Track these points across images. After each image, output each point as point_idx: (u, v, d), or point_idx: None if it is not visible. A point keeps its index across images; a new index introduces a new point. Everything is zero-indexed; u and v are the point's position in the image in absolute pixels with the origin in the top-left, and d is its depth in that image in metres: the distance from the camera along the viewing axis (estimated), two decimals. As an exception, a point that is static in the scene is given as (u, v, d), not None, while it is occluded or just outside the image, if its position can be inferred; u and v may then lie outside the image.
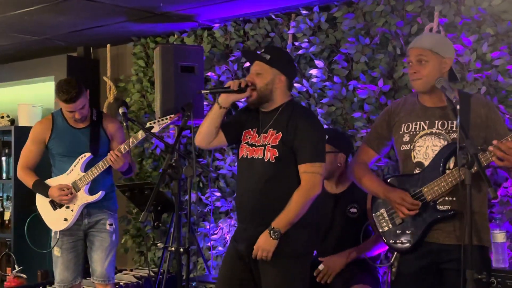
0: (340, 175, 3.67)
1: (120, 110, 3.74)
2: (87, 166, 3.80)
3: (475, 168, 2.47)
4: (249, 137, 3.06)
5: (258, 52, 3.06)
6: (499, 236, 3.24)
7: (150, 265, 5.23)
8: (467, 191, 2.44)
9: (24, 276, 5.03)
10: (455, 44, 3.77)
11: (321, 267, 3.51)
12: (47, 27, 5.04)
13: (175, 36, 5.24)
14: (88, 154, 3.81)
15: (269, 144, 2.96)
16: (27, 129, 6.03)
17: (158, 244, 3.23)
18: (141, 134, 3.72)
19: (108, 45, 5.70)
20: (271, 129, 2.99)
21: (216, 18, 4.86)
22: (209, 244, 4.84)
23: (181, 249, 2.90)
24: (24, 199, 5.80)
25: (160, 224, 3.20)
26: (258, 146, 3.00)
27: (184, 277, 3.31)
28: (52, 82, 6.00)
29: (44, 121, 3.97)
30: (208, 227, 4.86)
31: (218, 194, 4.85)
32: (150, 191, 3.35)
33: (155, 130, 3.66)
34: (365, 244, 3.50)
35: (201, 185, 5.06)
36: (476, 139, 2.65)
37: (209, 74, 4.92)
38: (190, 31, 5.15)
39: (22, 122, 6.15)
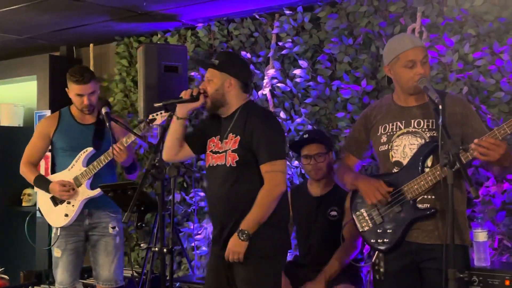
0: (327, 176, 3.70)
1: (103, 110, 3.72)
2: (90, 162, 3.73)
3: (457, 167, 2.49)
4: (213, 145, 3.09)
5: (210, 59, 3.12)
6: (481, 235, 3.26)
7: (134, 266, 5.21)
8: (449, 190, 2.46)
9: (7, 277, 4.99)
10: (437, 44, 3.80)
11: None
12: (30, 26, 5.01)
13: (159, 35, 5.22)
14: (90, 149, 3.74)
15: (230, 149, 2.99)
16: (9, 129, 6.03)
17: (142, 245, 3.21)
18: (143, 126, 3.65)
19: (91, 45, 5.67)
20: (231, 133, 3.02)
21: (199, 18, 4.85)
22: (193, 244, 4.84)
23: (165, 250, 2.89)
24: (5, 199, 5.77)
25: (143, 225, 3.18)
26: (221, 152, 3.03)
27: (168, 278, 3.31)
28: (34, 81, 5.95)
29: (51, 116, 3.93)
30: (192, 227, 4.85)
31: (202, 194, 4.85)
32: (133, 192, 3.32)
33: (158, 121, 3.57)
34: (339, 256, 3.50)
35: (185, 185, 5.05)
36: (454, 137, 2.66)
37: (192, 74, 4.91)
38: (174, 31, 5.14)
39: (3, 122, 6.11)
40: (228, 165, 2.97)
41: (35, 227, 5.35)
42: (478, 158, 2.60)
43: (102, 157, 3.68)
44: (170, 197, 4.31)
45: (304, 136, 3.78)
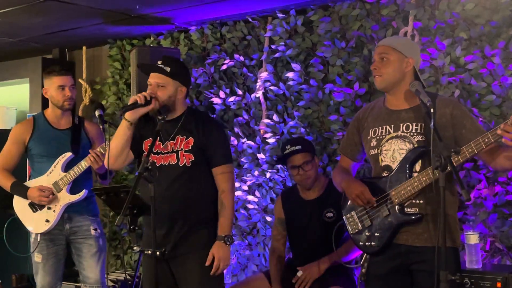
0: (317, 180, 3.70)
1: (96, 113, 3.72)
2: (68, 167, 3.73)
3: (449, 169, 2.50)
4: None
5: (159, 65, 3.09)
6: (473, 238, 3.27)
7: (127, 269, 5.20)
8: (440, 193, 2.47)
9: (-1, 280, 4.98)
10: (429, 48, 3.82)
11: (299, 273, 3.54)
12: (22, 28, 4.99)
13: (152, 38, 5.22)
14: (69, 154, 3.74)
15: (182, 149, 3.07)
16: (1, 132, 6.00)
17: (134, 248, 3.21)
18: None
19: (84, 47, 5.67)
20: (179, 135, 3.10)
21: (192, 21, 4.86)
22: (186, 247, 4.83)
23: (157, 253, 2.89)
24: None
25: (136, 228, 3.18)
26: (167, 153, 3.10)
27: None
28: (27, 84, 5.95)
29: (25, 122, 3.92)
30: (184, 230, 4.84)
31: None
32: (126, 194, 3.31)
33: None
34: (343, 249, 3.52)
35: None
36: (445, 139, 2.67)
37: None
38: (167, 34, 5.14)
39: (-4, 125, 6.08)
40: (181, 165, 3.07)
41: (21, 231, 5.33)
42: (506, 143, 2.51)
43: (82, 162, 3.68)
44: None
45: (286, 147, 3.72)
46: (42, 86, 5.05)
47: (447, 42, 3.79)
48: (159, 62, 3.10)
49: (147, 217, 3.18)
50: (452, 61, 3.77)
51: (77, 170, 3.70)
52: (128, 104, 3.03)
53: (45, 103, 5.56)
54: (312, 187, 3.70)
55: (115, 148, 3.09)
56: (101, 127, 3.68)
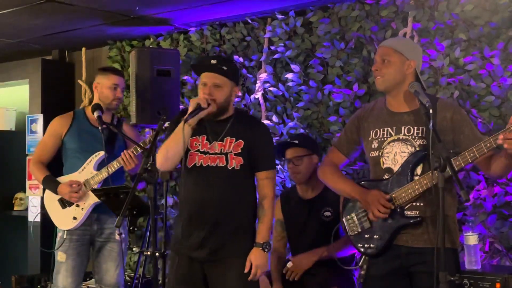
0: (314, 178, 3.70)
1: (95, 114, 3.72)
2: (100, 166, 3.72)
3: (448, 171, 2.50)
4: (199, 145, 3.04)
5: (215, 64, 2.98)
6: (472, 239, 3.27)
7: (126, 270, 5.20)
8: (439, 194, 2.47)
9: (-2, 281, 4.98)
10: (428, 49, 3.82)
11: (289, 264, 3.54)
12: (22, 30, 5.00)
13: (151, 39, 5.23)
14: (102, 153, 3.72)
15: (231, 152, 3.00)
16: (1, 133, 6.01)
17: (134, 249, 3.22)
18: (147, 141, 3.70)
19: (84, 48, 5.67)
20: (228, 137, 3.02)
21: (192, 22, 4.86)
22: (185, 248, 4.83)
23: (157, 254, 2.89)
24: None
25: (135, 229, 3.19)
26: (215, 154, 3.01)
27: (160, 282, 3.30)
28: (26, 85, 5.94)
29: (64, 116, 3.89)
30: (184, 231, 4.84)
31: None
32: (125, 195, 3.33)
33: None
34: (335, 244, 3.51)
35: (177, 189, 5.04)
36: (445, 143, 2.67)
37: (185, 77, 4.92)
38: (166, 35, 5.15)
39: (-5, 126, 6.08)
40: (230, 168, 3.00)
41: (26, 231, 5.34)
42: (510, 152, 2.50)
43: (115, 163, 3.67)
44: (163, 201, 4.31)
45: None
46: (42, 87, 5.05)
47: (446, 43, 3.79)
48: (213, 61, 2.98)
49: (179, 218, 3.14)
50: (451, 62, 3.78)
51: (109, 169, 3.67)
52: (190, 110, 2.90)
53: (44, 104, 5.59)
54: (309, 183, 3.69)
55: (172, 151, 2.99)
56: (100, 128, 3.68)
